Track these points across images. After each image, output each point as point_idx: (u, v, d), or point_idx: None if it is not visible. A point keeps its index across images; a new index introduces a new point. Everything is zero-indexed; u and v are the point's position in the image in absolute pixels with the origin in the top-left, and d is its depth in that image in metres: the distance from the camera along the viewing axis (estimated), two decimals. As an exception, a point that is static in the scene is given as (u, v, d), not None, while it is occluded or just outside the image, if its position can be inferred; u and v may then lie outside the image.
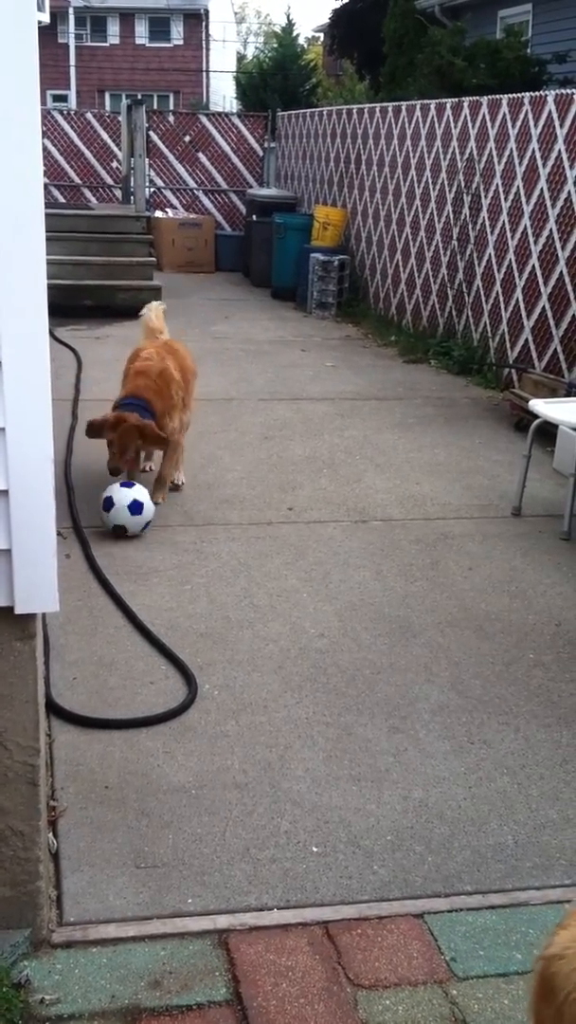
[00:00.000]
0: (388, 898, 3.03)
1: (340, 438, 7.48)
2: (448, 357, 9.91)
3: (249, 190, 16.30)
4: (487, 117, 9.44)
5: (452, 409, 8.44)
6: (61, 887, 3.00)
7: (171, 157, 16.75)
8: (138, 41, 40.31)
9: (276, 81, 23.53)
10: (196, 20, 40.49)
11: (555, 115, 8.23)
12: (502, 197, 9.13)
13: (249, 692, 4.08)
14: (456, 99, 10.27)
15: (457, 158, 10.06)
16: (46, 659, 4.10)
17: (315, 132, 14.65)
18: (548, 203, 8.29)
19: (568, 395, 7.28)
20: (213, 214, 16.69)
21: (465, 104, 9.96)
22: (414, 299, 11.22)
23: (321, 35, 32.53)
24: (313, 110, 15.57)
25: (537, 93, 8.85)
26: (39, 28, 2.38)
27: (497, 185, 9.23)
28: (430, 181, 10.69)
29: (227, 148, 16.86)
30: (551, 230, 8.25)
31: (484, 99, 9.60)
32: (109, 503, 5.48)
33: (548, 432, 6.62)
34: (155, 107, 24.22)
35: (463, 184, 9.95)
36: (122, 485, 5.56)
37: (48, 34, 34.15)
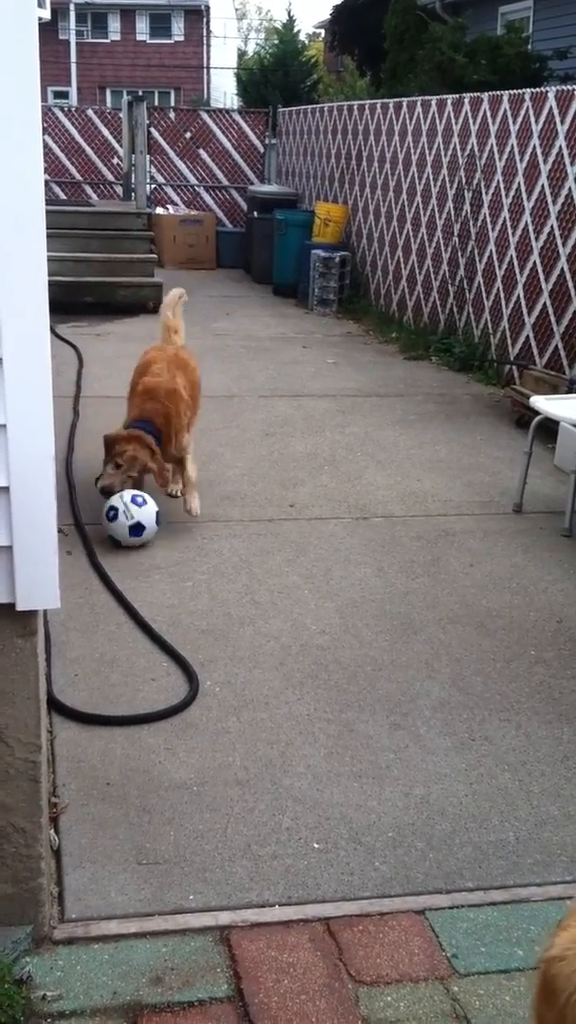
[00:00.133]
0: (389, 894, 3.03)
1: (341, 435, 7.48)
2: (449, 354, 9.90)
3: (250, 186, 16.29)
4: (488, 113, 9.43)
5: (453, 406, 8.44)
6: (63, 884, 3.00)
7: (172, 153, 16.74)
8: (139, 37, 40.30)
9: (277, 77, 23.47)
10: (197, 16, 40.48)
11: (556, 111, 8.22)
12: (503, 193, 9.12)
13: (250, 689, 4.09)
14: (457, 95, 10.25)
15: (458, 154, 10.05)
16: (47, 656, 4.10)
17: (316, 128, 14.63)
18: (549, 199, 8.29)
19: (569, 392, 7.27)
20: (214, 211, 16.68)
21: (466, 100, 9.95)
22: (415, 296, 11.22)
23: (322, 31, 32.48)
24: (314, 106, 15.55)
25: (538, 89, 8.83)
26: (40, 25, 2.38)
27: (498, 181, 9.22)
28: (431, 177, 10.68)
29: (228, 144, 16.84)
30: (552, 226, 8.24)
31: (485, 95, 9.59)
32: (113, 515, 5.32)
33: (549, 429, 6.62)
34: (156, 103, 24.23)
35: (464, 180, 9.94)
36: (133, 500, 5.35)
37: (49, 31, 34.10)
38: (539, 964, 1.88)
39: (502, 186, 9.15)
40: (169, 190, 16.83)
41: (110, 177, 16.79)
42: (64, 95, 36.97)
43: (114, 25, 40.11)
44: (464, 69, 12.24)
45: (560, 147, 8.12)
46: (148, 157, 14.95)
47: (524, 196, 8.72)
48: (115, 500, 5.36)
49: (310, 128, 14.97)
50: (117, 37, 40.12)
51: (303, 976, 2.70)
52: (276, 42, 25.72)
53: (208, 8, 40.39)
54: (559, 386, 7.56)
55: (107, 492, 5.47)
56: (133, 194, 13.45)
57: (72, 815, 3.29)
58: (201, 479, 6.31)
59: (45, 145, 15.73)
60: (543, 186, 8.39)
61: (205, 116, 17.15)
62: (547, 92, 8.47)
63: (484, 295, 9.55)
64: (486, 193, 9.47)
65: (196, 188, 16.89)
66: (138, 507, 5.34)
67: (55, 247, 10.16)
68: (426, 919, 2.93)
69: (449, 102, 10.30)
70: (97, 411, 7.49)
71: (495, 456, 7.11)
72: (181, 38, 40.50)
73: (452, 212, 10.21)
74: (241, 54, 42.87)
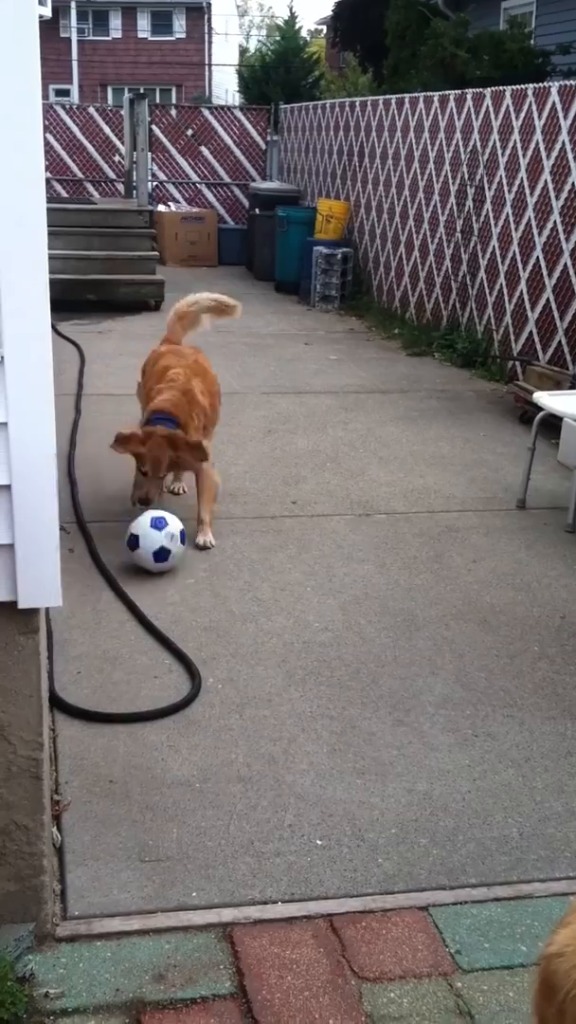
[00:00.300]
0: (393, 891, 3.03)
1: (344, 431, 7.47)
2: (452, 350, 9.89)
3: (252, 184, 16.26)
4: (491, 109, 9.41)
5: (456, 402, 8.43)
6: (65, 881, 3.00)
7: (173, 151, 16.72)
8: (140, 35, 40.27)
9: (279, 74, 23.39)
10: (198, 14, 40.44)
11: (559, 106, 8.20)
12: (506, 189, 9.11)
13: (253, 686, 4.09)
14: (459, 91, 10.23)
15: (460, 150, 10.03)
16: (49, 654, 4.10)
17: (318, 125, 14.61)
18: (552, 195, 8.27)
19: (573, 387, 7.26)
20: (216, 208, 16.66)
21: (468, 96, 9.93)
22: (418, 292, 11.20)
23: (324, 28, 32.46)
24: (316, 103, 15.53)
25: (541, 84, 8.82)
26: (41, 23, 2.37)
27: (501, 177, 9.20)
28: (433, 173, 10.66)
29: (230, 142, 16.82)
30: (555, 222, 8.22)
31: (487, 91, 9.56)
32: (134, 542, 4.99)
33: (553, 425, 6.61)
34: (157, 101, 24.19)
35: (466, 176, 9.93)
36: (152, 525, 4.98)
37: (50, 28, 34.09)
38: (539, 960, 1.88)
39: (505, 182, 9.13)
40: (171, 187, 16.82)
41: (112, 175, 16.78)
42: (66, 93, 36.94)
43: (115, 23, 40.07)
44: (467, 65, 12.23)
45: (563, 142, 8.09)
46: (150, 154, 14.94)
47: (527, 191, 8.70)
48: (133, 527, 5.01)
49: (312, 125, 14.96)
50: (118, 35, 40.09)
51: (306, 973, 2.70)
52: (278, 39, 25.62)
53: (209, 5, 40.34)
54: (562, 382, 7.54)
55: (145, 502, 5.28)
56: (135, 191, 13.44)
57: (74, 812, 3.29)
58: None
59: (46, 143, 15.73)
60: (546, 181, 8.37)
61: (207, 113, 17.13)
62: (550, 87, 8.45)
63: (487, 291, 9.53)
64: (489, 189, 9.45)
65: (198, 185, 16.88)
66: (158, 531, 4.97)
67: (57, 245, 10.17)
68: (429, 915, 2.93)
69: (451, 98, 10.28)
70: (99, 408, 7.50)
71: (498, 452, 7.10)
72: (183, 35, 40.47)
73: (455, 208, 10.20)
74: (243, 51, 42.77)
